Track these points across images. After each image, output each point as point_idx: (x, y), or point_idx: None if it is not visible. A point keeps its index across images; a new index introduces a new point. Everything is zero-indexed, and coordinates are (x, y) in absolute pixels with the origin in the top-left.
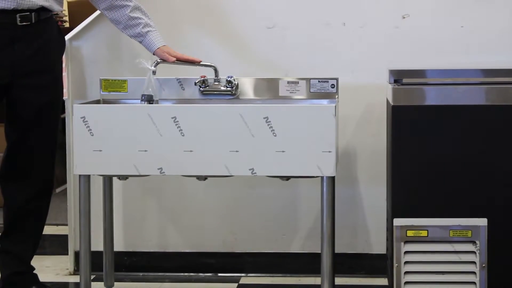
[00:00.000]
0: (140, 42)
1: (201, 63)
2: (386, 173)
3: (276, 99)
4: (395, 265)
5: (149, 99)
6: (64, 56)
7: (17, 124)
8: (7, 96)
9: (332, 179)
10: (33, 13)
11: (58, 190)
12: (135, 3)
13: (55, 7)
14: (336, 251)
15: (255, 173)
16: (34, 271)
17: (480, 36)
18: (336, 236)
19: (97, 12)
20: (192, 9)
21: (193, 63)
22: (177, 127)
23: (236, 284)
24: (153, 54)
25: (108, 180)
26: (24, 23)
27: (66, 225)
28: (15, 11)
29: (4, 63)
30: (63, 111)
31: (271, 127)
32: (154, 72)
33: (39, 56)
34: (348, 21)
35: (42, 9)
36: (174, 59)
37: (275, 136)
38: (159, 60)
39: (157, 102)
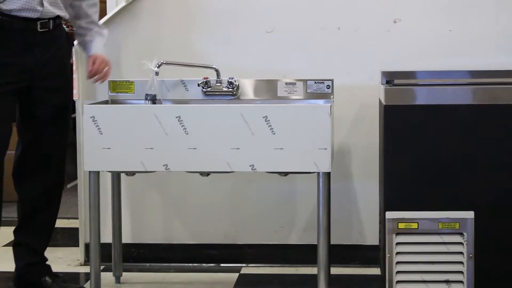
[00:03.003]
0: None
1: (204, 65)
2: (379, 169)
3: (275, 99)
4: (387, 255)
5: (153, 99)
6: (74, 59)
7: (33, 124)
8: (25, 97)
9: (327, 174)
10: (50, 20)
11: (69, 185)
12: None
13: (67, 15)
14: (331, 243)
15: (255, 169)
16: (47, 262)
17: (468, 39)
18: (331, 228)
19: (106, 17)
20: (198, 16)
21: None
22: (181, 126)
23: (237, 274)
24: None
25: (116, 176)
26: (43, 30)
27: (77, 218)
28: (37, 19)
29: (26, 67)
30: (74, 111)
31: (270, 125)
32: (157, 73)
33: (54, 60)
34: (343, 26)
35: (57, 17)
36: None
37: (274, 134)
38: (162, 62)
39: (160, 101)
